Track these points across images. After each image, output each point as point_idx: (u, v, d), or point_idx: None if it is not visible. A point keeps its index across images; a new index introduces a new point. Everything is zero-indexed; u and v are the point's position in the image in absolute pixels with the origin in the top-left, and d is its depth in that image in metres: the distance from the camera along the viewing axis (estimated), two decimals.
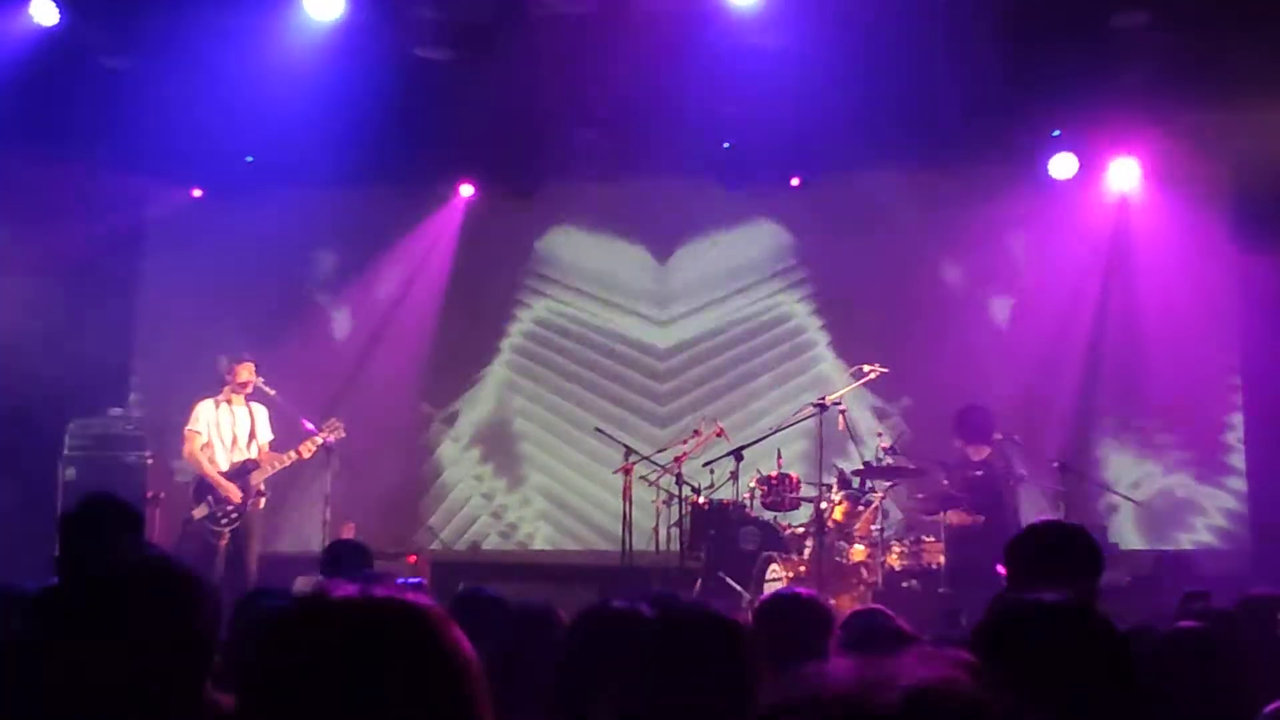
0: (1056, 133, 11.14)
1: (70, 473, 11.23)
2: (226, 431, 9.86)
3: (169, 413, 12.05)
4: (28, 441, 11.65)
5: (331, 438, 9.97)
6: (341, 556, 6.16)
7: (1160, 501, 11.40)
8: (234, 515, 9.60)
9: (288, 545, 11.81)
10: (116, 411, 12.05)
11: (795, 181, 12.00)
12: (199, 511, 9.59)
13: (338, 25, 9.68)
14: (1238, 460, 11.49)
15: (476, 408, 12.94)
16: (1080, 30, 9.49)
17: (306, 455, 9.89)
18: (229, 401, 9.93)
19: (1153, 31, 9.50)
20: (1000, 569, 3.80)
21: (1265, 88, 10.10)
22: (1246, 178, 11.47)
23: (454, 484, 12.83)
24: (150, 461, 11.44)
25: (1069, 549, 3.67)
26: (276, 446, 10.11)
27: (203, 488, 9.65)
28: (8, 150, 11.14)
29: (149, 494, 11.01)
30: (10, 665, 2.60)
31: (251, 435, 9.95)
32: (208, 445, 9.76)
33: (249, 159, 12.20)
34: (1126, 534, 11.27)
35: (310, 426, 10.05)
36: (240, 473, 9.73)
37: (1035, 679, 2.51)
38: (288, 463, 9.86)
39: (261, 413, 10.03)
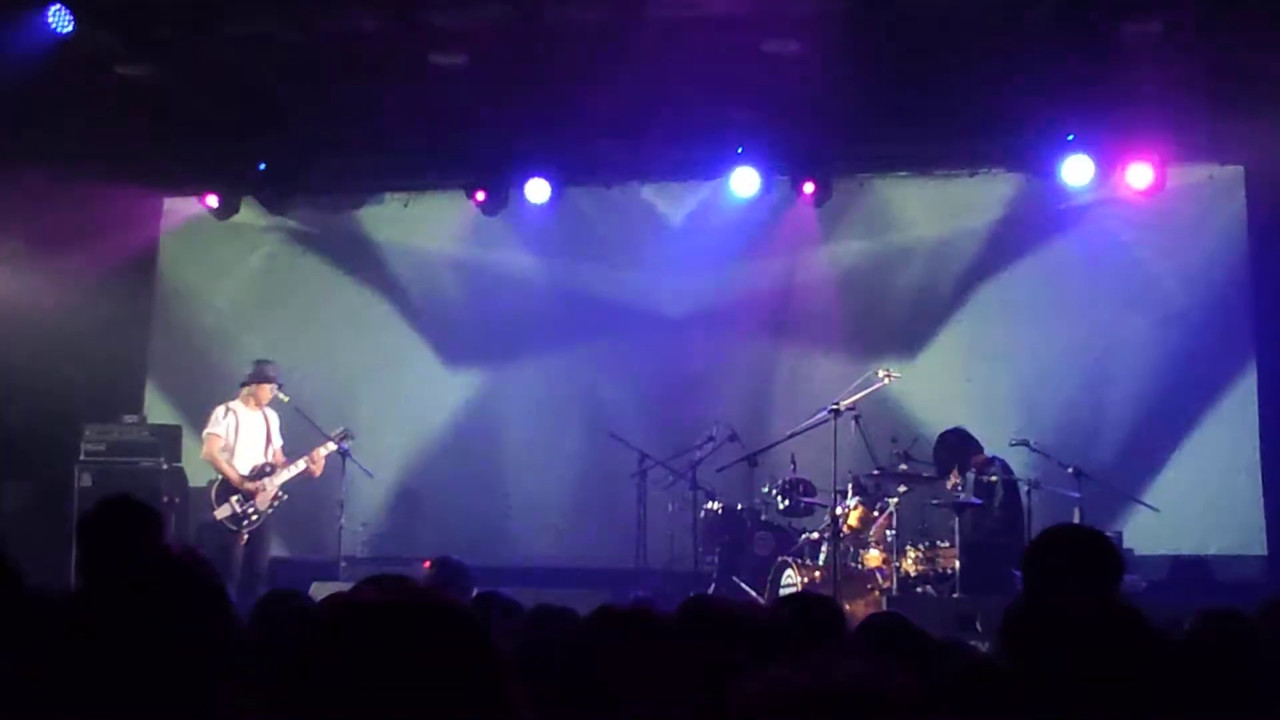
0: (1071, 136, 11.11)
1: (86, 478, 11.27)
2: (245, 435, 9.92)
3: (184, 419, 12.12)
4: (44, 447, 11.71)
5: (344, 445, 10.06)
6: (450, 575, 6.58)
7: (1177, 506, 11.35)
8: (255, 517, 9.67)
9: (303, 550, 11.83)
10: (132, 418, 12.09)
11: (809, 187, 11.96)
12: (222, 512, 9.65)
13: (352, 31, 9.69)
14: (1255, 466, 11.44)
15: (489, 412, 12.93)
16: (1092, 37, 9.47)
17: (317, 466, 9.95)
18: (246, 406, 10.00)
19: (1166, 40, 9.49)
20: (1017, 574, 3.78)
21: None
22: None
23: (468, 489, 12.82)
24: (165, 467, 11.48)
25: (1088, 553, 3.64)
26: (286, 453, 10.17)
27: (225, 489, 9.71)
28: (25, 159, 11.19)
29: (164, 499, 11.05)
30: (34, 668, 2.62)
31: (267, 440, 10.03)
32: (227, 448, 9.83)
33: (261, 166, 12.22)
34: (1143, 539, 11.22)
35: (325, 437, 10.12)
36: (258, 475, 9.79)
37: (1064, 675, 2.50)
38: (301, 469, 9.91)
39: (275, 419, 10.11)
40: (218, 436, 9.86)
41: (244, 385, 10.07)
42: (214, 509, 9.71)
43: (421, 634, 1.76)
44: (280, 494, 9.93)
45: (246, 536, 9.66)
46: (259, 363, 10.21)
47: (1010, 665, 2.44)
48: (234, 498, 9.68)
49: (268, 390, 10.03)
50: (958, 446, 10.08)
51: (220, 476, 9.82)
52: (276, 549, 11.07)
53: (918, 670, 3.04)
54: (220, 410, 9.99)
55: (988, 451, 10.18)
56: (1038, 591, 3.57)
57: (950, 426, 10.38)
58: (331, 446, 10.01)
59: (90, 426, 11.61)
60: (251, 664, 2.96)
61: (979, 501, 9.75)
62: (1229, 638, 3.65)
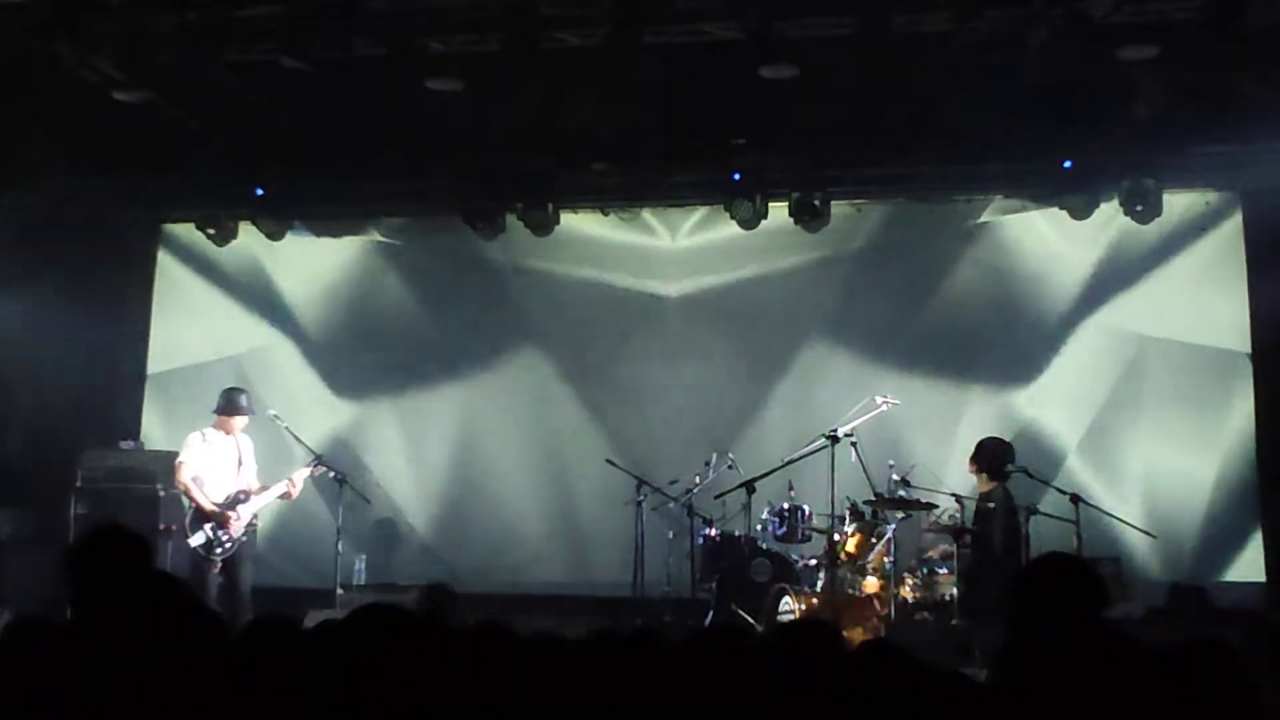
0: (1068, 163, 11.15)
1: (82, 505, 11.23)
2: (216, 462, 9.86)
3: (181, 445, 12.10)
4: (40, 474, 11.68)
5: (319, 468, 10.08)
6: (443, 603, 6.65)
7: (1175, 533, 11.34)
8: (228, 545, 9.61)
9: (300, 578, 11.79)
10: (128, 444, 12.06)
11: (811, 207, 11.95)
12: (195, 539, 9.60)
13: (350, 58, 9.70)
14: (1253, 491, 11.42)
15: (485, 439, 12.91)
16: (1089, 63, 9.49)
17: (294, 489, 9.92)
18: (219, 432, 9.94)
19: (1162, 65, 9.52)
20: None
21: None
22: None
23: (467, 516, 12.80)
24: (162, 493, 11.44)
25: (1074, 582, 3.67)
26: (260, 479, 10.12)
27: (199, 517, 9.66)
28: (23, 184, 11.21)
29: (161, 526, 11.02)
30: (30, 694, 2.61)
31: (239, 466, 9.96)
32: (198, 477, 9.77)
33: (259, 191, 12.25)
34: (1141, 566, 11.21)
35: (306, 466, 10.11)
36: (232, 503, 9.74)
37: (1052, 702, 2.50)
38: (281, 491, 9.87)
39: (248, 445, 10.05)
40: (189, 465, 9.82)
41: (217, 415, 10.01)
42: (188, 536, 9.66)
43: (415, 662, 1.76)
44: (254, 520, 9.88)
45: (220, 564, 9.60)
46: (229, 391, 10.14)
47: (1001, 692, 2.43)
48: (207, 525, 9.62)
49: (240, 422, 9.97)
50: (995, 453, 10.05)
51: (193, 505, 9.76)
52: (274, 577, 11.04)
53: (911, 698, 3.04)
54: (195, 437, 9.95)
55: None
56: (1025, 620, 3.58)
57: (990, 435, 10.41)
58: (306, 471, 10.00)
59: (86, 453, 11.57)
60: (239, 688, 2.95)
61: (975, 527, 9.72)
62: (1211, 665, 3.63)
